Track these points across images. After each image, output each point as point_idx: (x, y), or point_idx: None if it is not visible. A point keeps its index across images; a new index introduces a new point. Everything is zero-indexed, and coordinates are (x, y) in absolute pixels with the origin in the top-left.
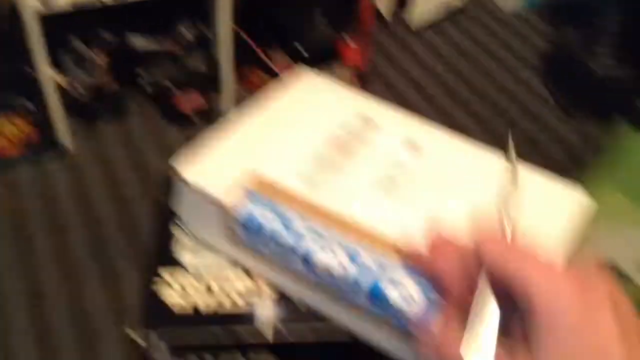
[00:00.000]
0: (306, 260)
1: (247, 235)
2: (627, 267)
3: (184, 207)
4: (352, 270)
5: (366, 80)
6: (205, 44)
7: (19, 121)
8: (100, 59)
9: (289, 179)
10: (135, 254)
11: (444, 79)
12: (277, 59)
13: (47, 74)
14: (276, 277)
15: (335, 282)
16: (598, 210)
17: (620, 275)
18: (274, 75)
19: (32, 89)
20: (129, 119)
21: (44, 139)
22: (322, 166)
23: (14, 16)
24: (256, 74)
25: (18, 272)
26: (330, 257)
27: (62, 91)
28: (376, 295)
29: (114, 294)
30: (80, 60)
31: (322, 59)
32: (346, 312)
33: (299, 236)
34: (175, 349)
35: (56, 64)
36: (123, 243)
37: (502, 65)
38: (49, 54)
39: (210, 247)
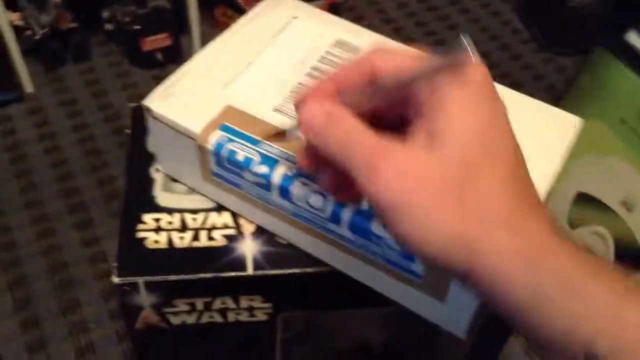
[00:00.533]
0: (282, 189)
1: (220, 166)
2: (610, 201)
3: (157, 146)
4: (332, 198)
5: (338, 13)
6: None
7: None
8: None
9: (264, 109)
10: (107, 198)
11: (417, 13)
12: None
13: (3, 14)
14: (254, 213)
15: (315, 213)
16: (578, 141)
17: (603, 209)
18: (241, 12)
19: None
20: (91, 59)
21: (3, 82)
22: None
23: None
24: (223, 12)
25: None
26: (309, 186)
27: (20, 32)
28: (359, 226)
29: (88, 240)
30: None
31: None
32: (329, 247)
33: (273, 164)
34: (163, 295)
35: (12, 3)
36: (94, 187)
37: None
38: None
39: (186, 185)
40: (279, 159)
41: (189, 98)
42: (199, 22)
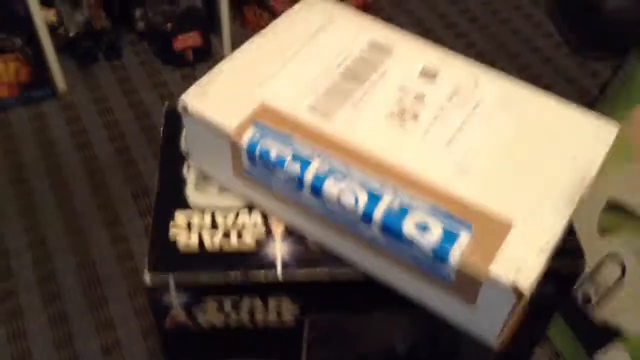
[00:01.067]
0: (314, 188)
1: (252, 164)
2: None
3: (191, 142)
4: (363, 199)
5: (368, 13)
6: None
7: (10, 61)
8: None
9: (298, 108)
10: (135, 196)
11: (447, 15)
12: None
13: (38, 12)
14: (284, 212)
15: (346, 213)
16: (611, 147)
17: (635, 218)
18: (271, 12)
19: (23, 28)
20: (123, 57)
21: (37, 79)
22: (334, 96)
23: None
24: (253, 11)
25: (16, 216)
26: (341, 185)
27: (54, 30)
28: (389, 227)
29: (116, 238)
30: None
31: None
32: (358, 248)
33: (306, 163)
34: (192, 294)
35: (47, 1)
36: (123, 184)
37: (509, 2)
38: None
39: (218, 183)
40: (311, 158)
41: (224, 96)
42: (230, 21)
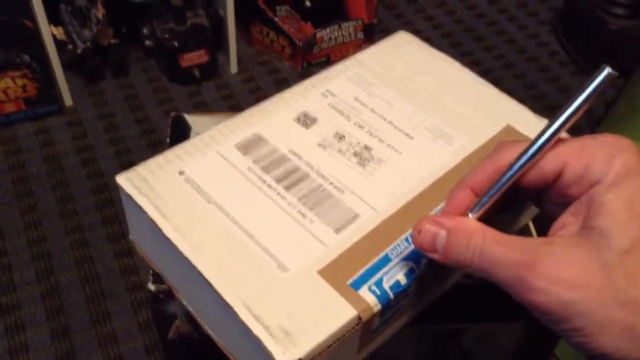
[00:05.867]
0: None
1: (386, 312)
2: None
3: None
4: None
5: (372, 34)
6: None
7: (18, 77)
8: (99, 12)
9: None
10: None
11: (453, 34)
12: (281, 13)
13: (46, 28)
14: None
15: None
16: None
17: None
18: (277, 30)
19: (31, 43)
20: (131, 74)
21: (44, 95)
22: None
23: None
24: (259, 29)
25: (21, 230)
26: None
27: (62, 46)
28: None
29: (121, 252)
30: (80, 14)
31: (327, 11)
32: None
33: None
34: None
35: (55, 17)
36: None
37: (515, 21)
38: (48, 7)
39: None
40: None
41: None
42: (236, 39)
